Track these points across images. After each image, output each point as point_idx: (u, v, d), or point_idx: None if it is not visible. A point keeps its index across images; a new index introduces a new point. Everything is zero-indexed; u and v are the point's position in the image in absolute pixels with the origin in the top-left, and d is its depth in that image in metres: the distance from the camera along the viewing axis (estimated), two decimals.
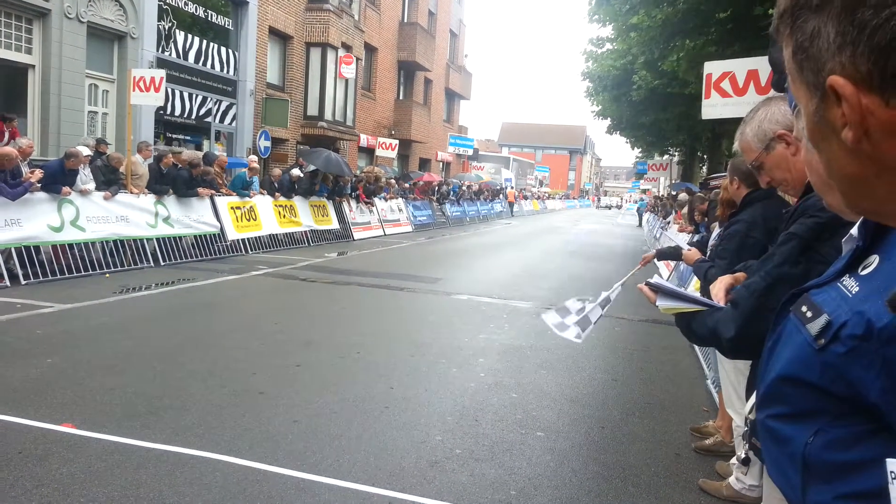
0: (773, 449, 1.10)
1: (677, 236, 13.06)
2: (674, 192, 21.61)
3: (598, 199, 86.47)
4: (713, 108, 6.41)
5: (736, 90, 6.15)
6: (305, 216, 15.63)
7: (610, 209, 74.98)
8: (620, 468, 4.00)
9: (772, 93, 5.85)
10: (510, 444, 4.22)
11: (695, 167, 26.95)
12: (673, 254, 4.47)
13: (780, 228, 2.04)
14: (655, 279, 1.87)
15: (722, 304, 1.84)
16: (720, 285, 1.91)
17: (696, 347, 7.01)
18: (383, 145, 24.13)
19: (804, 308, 1.08)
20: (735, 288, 1.89)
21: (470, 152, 35.11)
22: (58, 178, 9.32)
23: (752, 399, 1.64)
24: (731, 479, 3.71)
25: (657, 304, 1.81)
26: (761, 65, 6.12)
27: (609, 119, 26.81)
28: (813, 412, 1.01)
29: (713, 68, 6.44)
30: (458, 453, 4.03)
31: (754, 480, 3.56)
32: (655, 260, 4.67)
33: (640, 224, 35.17)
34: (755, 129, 1.99)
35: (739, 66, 6.22)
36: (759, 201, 3.20)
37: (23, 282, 8.47)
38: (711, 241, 4.46)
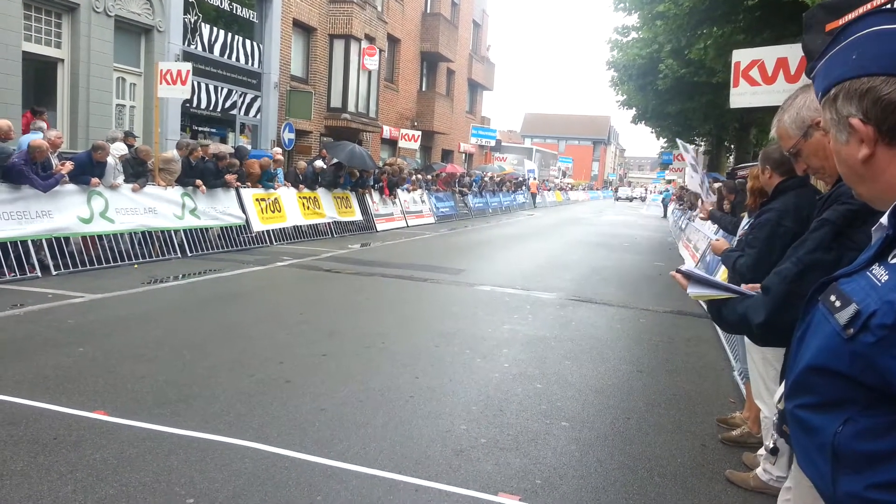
0: (802, 438, 1.10)
1: (703, 226, 12.92)
2: None
3: (617, 190, 73.89)
4: (742, 96, 6.32)
5: (765, 78, 6.05)
6: (329, 208, 15.71)
7: (631, 201, 67.02)
8: (646, 459, 3.98)
9: (803, 80, 5.75)
10: (535, 434, 4.23)
11: (721, 157, 26.59)
12: (722, 222, 4.43)
13: (812, 216, 2.03)
14: (686, 267, 1.89)
15: (751, 292, 1.84)
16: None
17: (723, 339, 6.94)
18: (406, 137, 24.15)
19: (833, 297, 1.07)
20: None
21: (493, 143, 35.00)
22: (86, 170, 9.48)
23: (781, 388, 1.63)
24: (759, 471, 3.68)
25: (688, 290, 1.82)
26: (790, 52, 6.01)
27: (634, 109, 26.53)
28: (842, 401, 1.00)
29: (741, 56, 6.34)
30: (483, 442, 4.05)
31: (782, 472, 3.53)
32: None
33: (665, 215, 34.82)
34: (793, 116, 1.96)
35: (768, 55, 6.11)
36: (791, 190, 3.16)
37: (53, 272, 8.64)
38: (741, 231, 4.41)
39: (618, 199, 68.75)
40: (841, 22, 3.34)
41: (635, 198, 72.10)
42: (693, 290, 1.79)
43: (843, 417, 1.00)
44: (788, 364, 1.24)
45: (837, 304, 1.05)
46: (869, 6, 3.15)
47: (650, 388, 5.40)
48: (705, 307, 1.86)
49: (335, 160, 16.77)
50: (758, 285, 1.86)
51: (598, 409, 4.83)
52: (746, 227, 4.03)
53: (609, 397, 5.10)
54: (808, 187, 3.15)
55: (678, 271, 1.89)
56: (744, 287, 1.86)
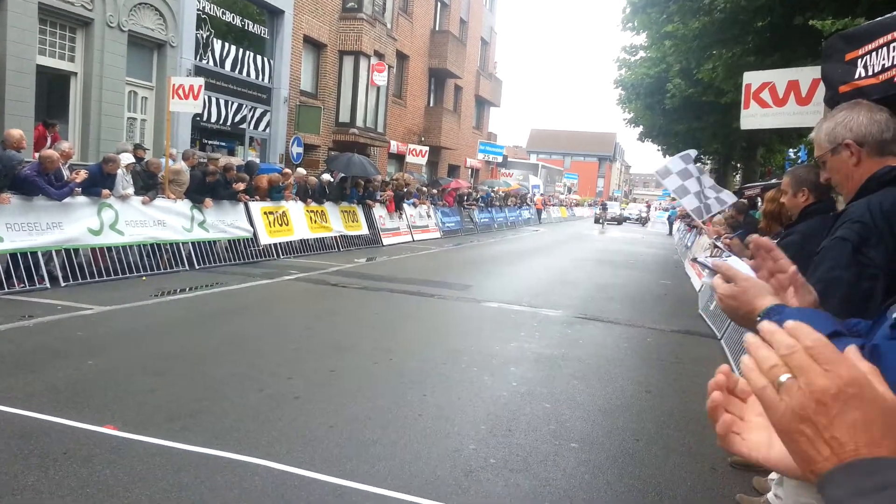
0: None
1: (707, 243, 12.90)
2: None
3: (604, 207, 44.79)
4: (752, 118, 6.34)
5: (776, 101, 6.08)
6: (336, 221, 15.76)
7: (619, 224, 45.64)
8: (656, 481, 3.96)
9: (814, 103, 5.77)
10: (544, 455, 4.21)
11: (728, 176, 26.58)
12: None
13: (825, 236, 2.05)
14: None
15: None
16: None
17: (731, 360, 6.92)
18: (413, 152, 24.25)
19: None
20: None
21: (499, 159, 35.15)
22: (97, 182, 9.54)
23: None
24: (770, 496, 3.66)
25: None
26: (802, 75, 6.05)
27: (641, 127, 26.59)
28: None
29: (752, 78, 6.37)
30: (493, 463, 4.04)
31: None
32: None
33: (671, 232, 34.80)
34: (830, 129, 2.00)
35: (779, 77, 6.15)
36: (818, 214, 3.16)
37: (62, 284, 8.67)
38: None
39: (602, 220, 40.57)
40: (861, 52, 3.36)
41: (630, 218, 50.83)
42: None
43: None
44: None
45: None
46: (890, 36, 3.17)
47: (659, 409, 5.38)
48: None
49: (341, 174, 16.89)
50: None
51: (607, 429, 4.81)
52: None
53: (618, 418, 5.08)
54: (835, 213, 3.16)
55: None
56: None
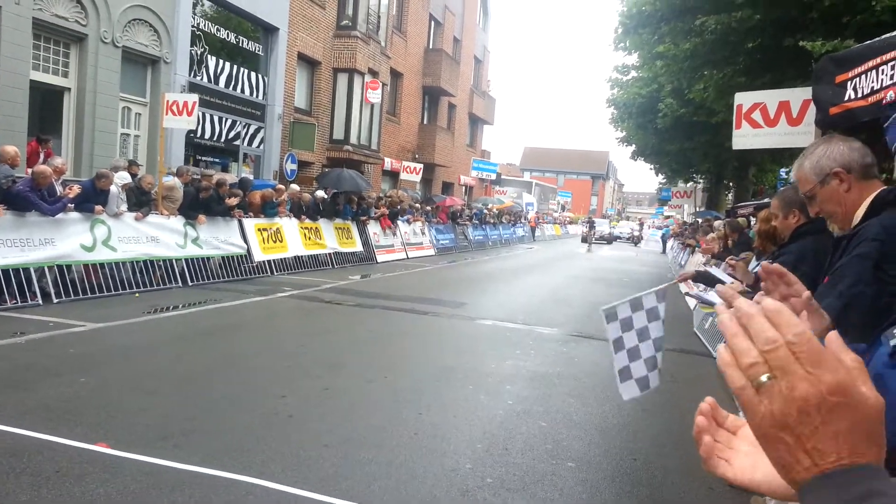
0: None
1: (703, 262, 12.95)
2: (699, 220, 21.48)
3: (591, 224, 39.17)
4: (744, 138, 6.40)
5: (767, 121, 6.14)
6: (330, 238, 15.75)
7: (609, 243, 41.65)
8: (653, 502, 3.95)
9: (805, 123, 5.84)
10: (541, 475, 4.19)
11: (720, 195, 26.78)
12: (709, 279, 4.43)
13: (831, 257, 2.09)
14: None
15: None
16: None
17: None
18: (408, 169, 24.31)
19: None
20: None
21: (493, 177, 35.24)
22: (90, 198, 9.50)
23: None
24: None
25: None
26: (793, 96, 6.11)
27: (634, 145, 26.81)
28: None
29: (744, 99, 6.44)
30: (489, 483, 4.01)
31: None
32: (689, 282, 4.64)
33: (664, 251, 34.93)
34: (813, 163, 2.08)
35: (770, 98, 6.22)
36: (810, 234, 3.19)
37: (54, 300, 8.61)
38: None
39: (589, 240, 36.22)
40: (850, 74, 3.41)
41: (622, 237, 46.90)
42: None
43: None
44: None
45: None
46: (879, 59, 3.23)
47: (656, 429, 5.37)
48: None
49: (333, 190, 16.93)
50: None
51: (604, 449, 4.79)
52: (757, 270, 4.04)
53: (615, 437, 5.07)
54: (826, 233, 3.18)
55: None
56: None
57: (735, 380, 0.64)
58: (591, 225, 38.96)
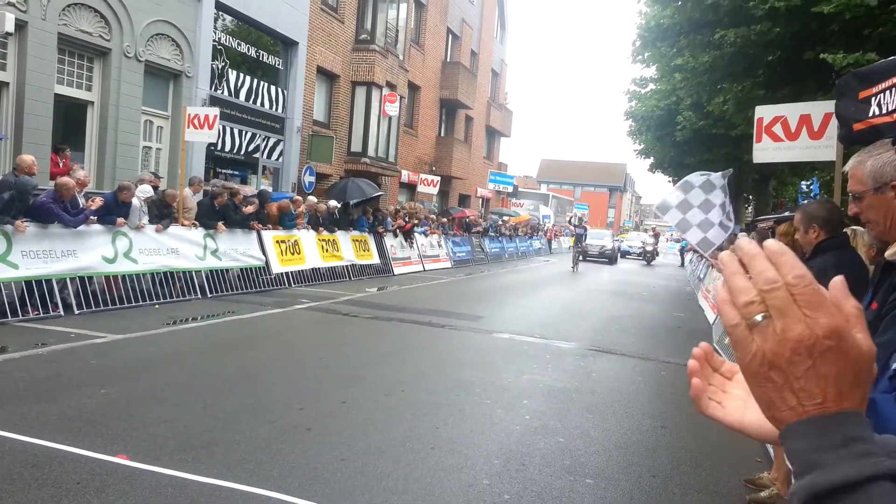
0: None
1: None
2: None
3: (579, 236, 26.83)
4: (764, 151, 6.35)
5: (788, 134, 6.09)
6: (347, 250, 15.81)
7: (611, 263, 31.57)
8: None
9: (826, 137, 5.78)
10: (559, 491, 4.16)
11: (740, 208, 26.56)
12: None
13: (878, 280, 2.00)
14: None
15: None
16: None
17: None
18: (425, 181, 24.38)
19: None
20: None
21: (510, 189, 35.24)
22: (112, 210, 9.63)
23: None
24: None
25: None
26: (814, 110, 6.07)
27: (651, 158, 26.68)
28: None
29: (764, 112, 6.40)
30: (507, 499, 3.99)
31: None
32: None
33: (683, 264, 34.60)
34: (877, 166, 1.97)
35: (791, 111, 6.17)
36: (832, 250, 3.14)
37: (76, 311, 8.71)
38: None
39: (576, 259, 25.69)
40: (875, 90, 3.38)
41: (631, 253, 38.34)
42: None
43: None
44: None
45: None
46: None
47: (674, 445, 5.31)
48: None
49: (342, 202, 17.02)
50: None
51: (622, 465, 4.75)
52: None
53: (633, 454, 5.02)
54: (848, 248, 3.14)
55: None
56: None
57: (729, 317, 0.64)
58: (580, 236, 27.05)
